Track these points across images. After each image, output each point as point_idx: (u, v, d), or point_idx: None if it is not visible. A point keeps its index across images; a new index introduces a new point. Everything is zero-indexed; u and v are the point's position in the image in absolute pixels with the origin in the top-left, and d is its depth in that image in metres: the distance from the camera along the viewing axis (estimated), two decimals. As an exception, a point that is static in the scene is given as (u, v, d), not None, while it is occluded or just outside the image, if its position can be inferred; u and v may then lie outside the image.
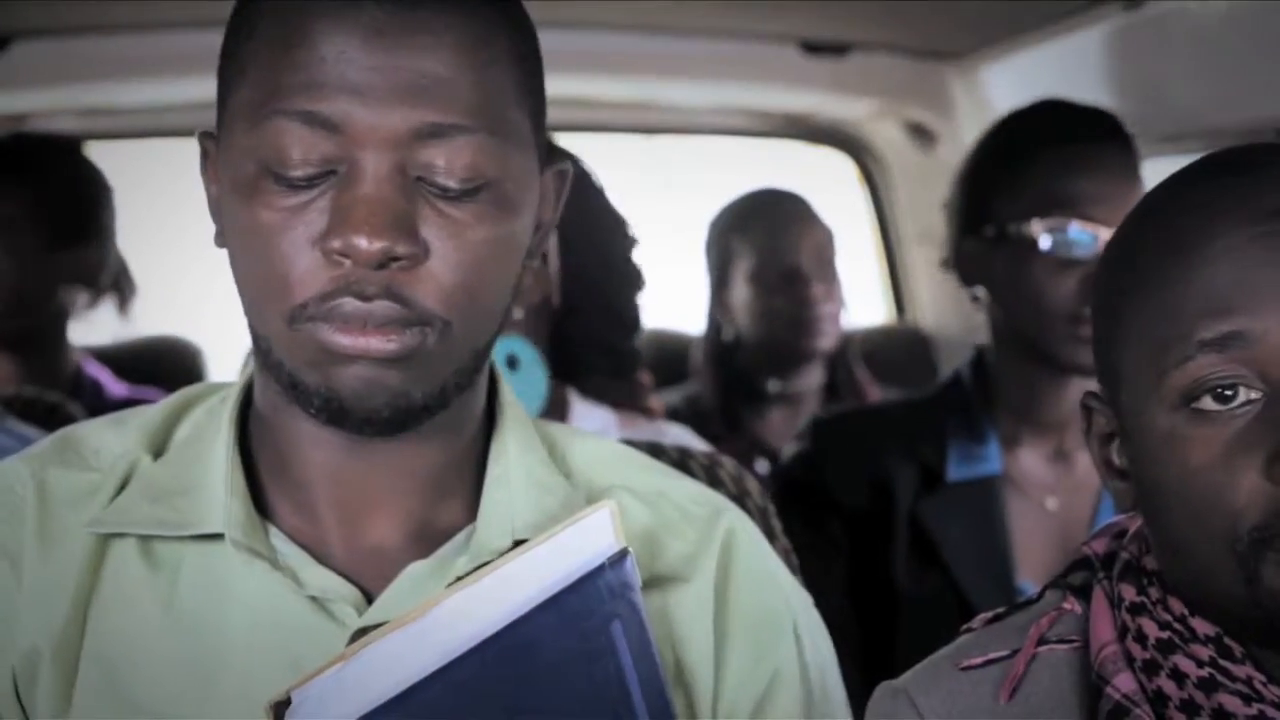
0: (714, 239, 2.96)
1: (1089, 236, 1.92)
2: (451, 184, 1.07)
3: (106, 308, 2.67)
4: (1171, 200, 1.05)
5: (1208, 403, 0.98)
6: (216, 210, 1.15)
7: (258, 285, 1.08)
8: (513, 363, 1.92)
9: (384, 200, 1.05)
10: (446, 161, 1.06)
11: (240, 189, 1.08)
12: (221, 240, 1.14)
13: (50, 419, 2.07)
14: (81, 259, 2.58)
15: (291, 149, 1.05)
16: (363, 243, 1.03)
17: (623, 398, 2.10)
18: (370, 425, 1.09)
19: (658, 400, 2.28)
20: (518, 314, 1.97)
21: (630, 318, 2.10)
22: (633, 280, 2.10)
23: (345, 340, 1.05)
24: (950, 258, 2.12)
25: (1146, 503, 1.04)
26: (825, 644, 1.25)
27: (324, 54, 1.05)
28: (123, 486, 1.16)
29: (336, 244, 1.04)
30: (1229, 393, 0.98)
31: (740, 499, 1.53)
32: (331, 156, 1.06)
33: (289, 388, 1.09)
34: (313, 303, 1.05)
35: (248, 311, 1.11)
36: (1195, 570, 1.01)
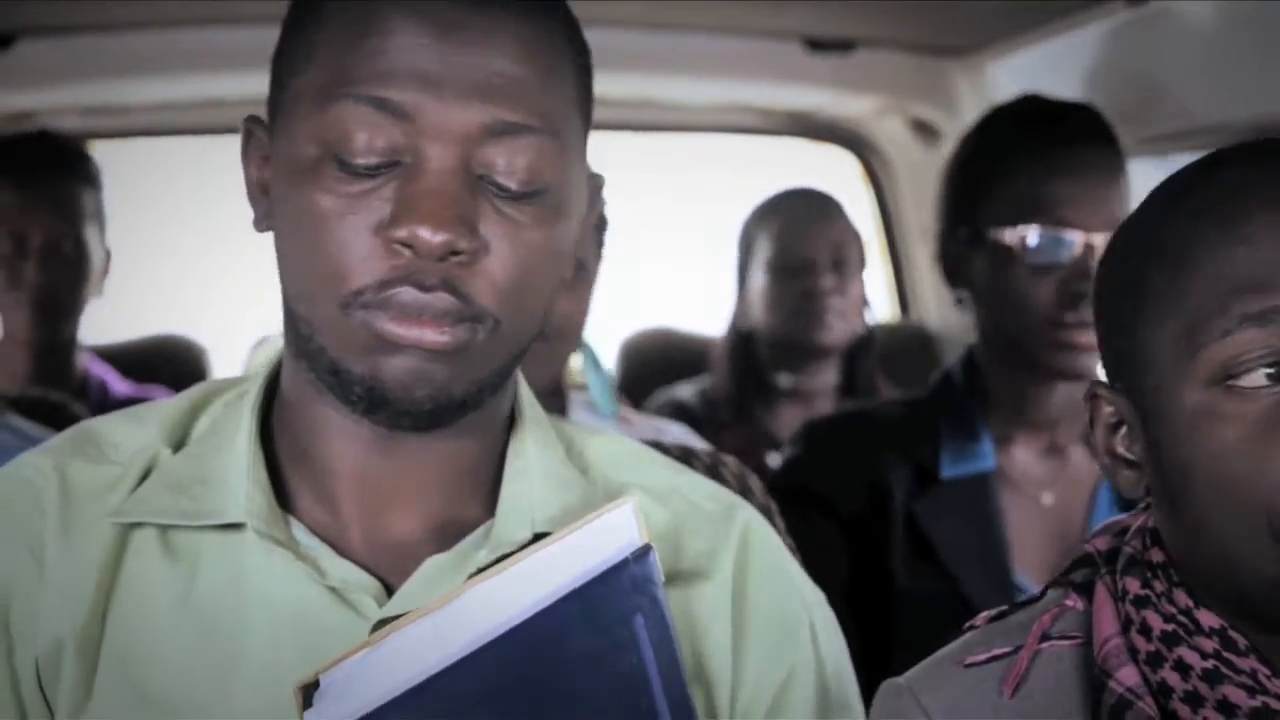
0: (742, 230, 2.95)
1: (1066, 241, 1.91)
2: (512, 184, 1.08)
3: (106, 307, 2.68)
4: (1204, 182, 1.05)
5: (1245, 379, 0.98)
6: (256, 194, 1.15)
7: (311, 270, 1.08)
8: (595, 364, 1.96)
9: (450, 194, 1.06)
10: (509, 161, 1.07)
11: (298, 173, 1.09)
12: (262, 225, 1.14)
13: (55, 417, 2.08)
14: (101, 262, 2.60)
15: (358, 133, 1.06)
16: (427, 234, 1.04)
17: None
18: (408, 418, 1.09)
19: None
20: None
21: None
22: None
23: (399, 329, 1.06)
24: (936, 258, 2.12)
25: (1168, 487, 1.04)
26: (839, 640, 1.26)
27: (399, 43, 1.06)
28: (143, 479, 1.16)
29: (401, 233, 1.05)
30: (1268, 369, 0.98)
31: (742, 497, 1.53)
32: (398, 146, 1.06)
33: (329, 375, 1.10)
34: (370, 290, 1.06)
35: (293, 296, 1.12)
36: (1221, 552, 1.01)
